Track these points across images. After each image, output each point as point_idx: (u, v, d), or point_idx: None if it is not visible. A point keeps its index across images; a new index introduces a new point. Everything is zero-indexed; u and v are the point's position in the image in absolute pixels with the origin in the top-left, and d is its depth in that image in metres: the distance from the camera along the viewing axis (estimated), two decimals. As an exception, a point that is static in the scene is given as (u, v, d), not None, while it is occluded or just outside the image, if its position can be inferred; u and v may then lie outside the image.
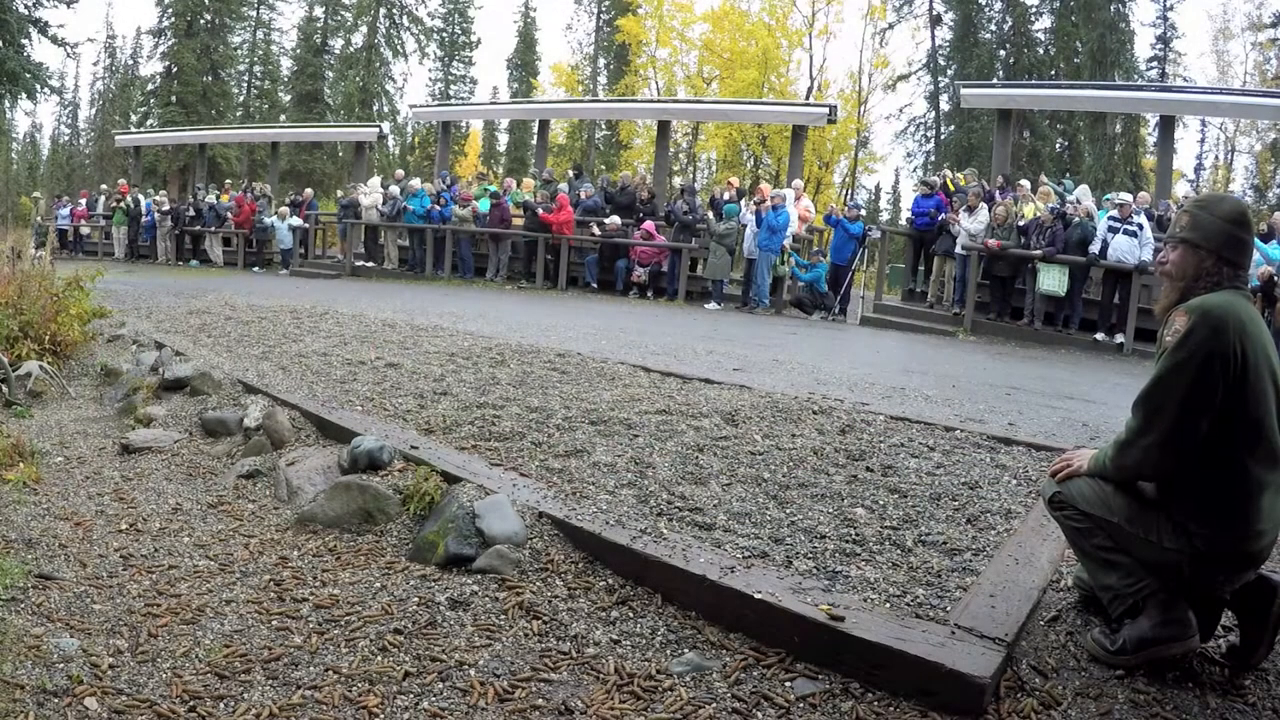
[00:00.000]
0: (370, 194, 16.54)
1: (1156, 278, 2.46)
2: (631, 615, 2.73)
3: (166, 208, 19.06)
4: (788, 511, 3.31)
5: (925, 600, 2.59)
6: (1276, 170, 29.06)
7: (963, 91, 15.15)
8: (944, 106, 30.07)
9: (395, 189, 16.39)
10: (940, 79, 30.14)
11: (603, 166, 31.50)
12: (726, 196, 13.60)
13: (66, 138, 43.51)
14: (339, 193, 19.42)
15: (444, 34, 38.35)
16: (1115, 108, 20.01)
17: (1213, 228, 2.26)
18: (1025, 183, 12.58)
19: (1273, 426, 2.16)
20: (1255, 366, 2.13)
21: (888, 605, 2.56)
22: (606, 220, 13.93)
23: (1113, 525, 2.33)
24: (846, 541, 3.06)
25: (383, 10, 36.65)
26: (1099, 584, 2.42)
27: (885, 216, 34.83)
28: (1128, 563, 2.33)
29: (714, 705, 2.26)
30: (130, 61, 39.87)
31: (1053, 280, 10.59)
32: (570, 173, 17.51)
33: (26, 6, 19.23)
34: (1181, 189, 20.88)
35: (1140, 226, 10.08)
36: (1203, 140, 30.96)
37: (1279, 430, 2.17)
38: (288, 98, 37.28)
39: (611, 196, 15.00)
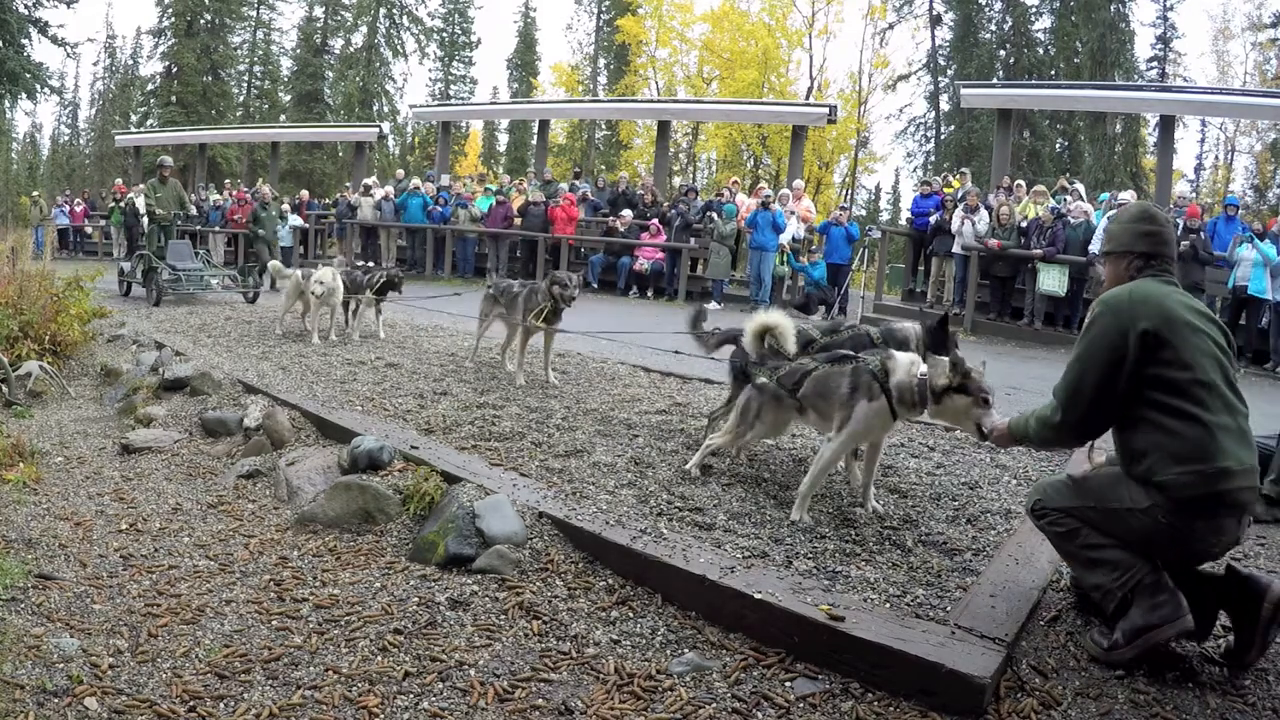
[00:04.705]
0: (373, 192, 16.55)
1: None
2: (631, 615, 2.73)
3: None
4: (788, 511, 3.31)
5: (925, 600, 2.59)
6: (1276, 170, 29.04)
7: (963, 91, 15.15)
8: (944, 106, 30.02)
9: (391, 188, 16.45)
10: (940, 79, 30.10)
11: (603, 166, 31.47)
12: (723, 198, 13.64)
13: (66, 138, 43.44)
14: (337, 195, 19.39)
15: (444, 34, 38.27)
16: (1115, 108, 19.98)
17: (1122, 233, 2.54)
18: (1022, 183, 12.59)
19: (1220, 378, 2.29)
20: (1175, 331, 2.28)
21: (888, 605, 2.56)
22: (623, 212, 13.99)
23: (1091, 510, 2.41)
24: (846, 541, 3.06)
25: (383, 10, 36.58)
26: (1089, 585, 2.46)
27: (885, 216, 34.79)
28: (1114, 558, 2.36)
29: (714, 705, 2.26)
30: (130, 61, 39.78)
31: (1053, 280, 10.58)
32: (573, 174, 17.58)
33: (26, 6, 19.22)
34: (1181, 189, 20.84)
35: (1140, 226, 10.06)
36: (1203, 140, 30.93)
37: (1227, 383, 2.30)
38: (288, 98, 37.21)
39: (626, 196, 15.02)
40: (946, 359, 3.00)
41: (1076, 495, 2.46)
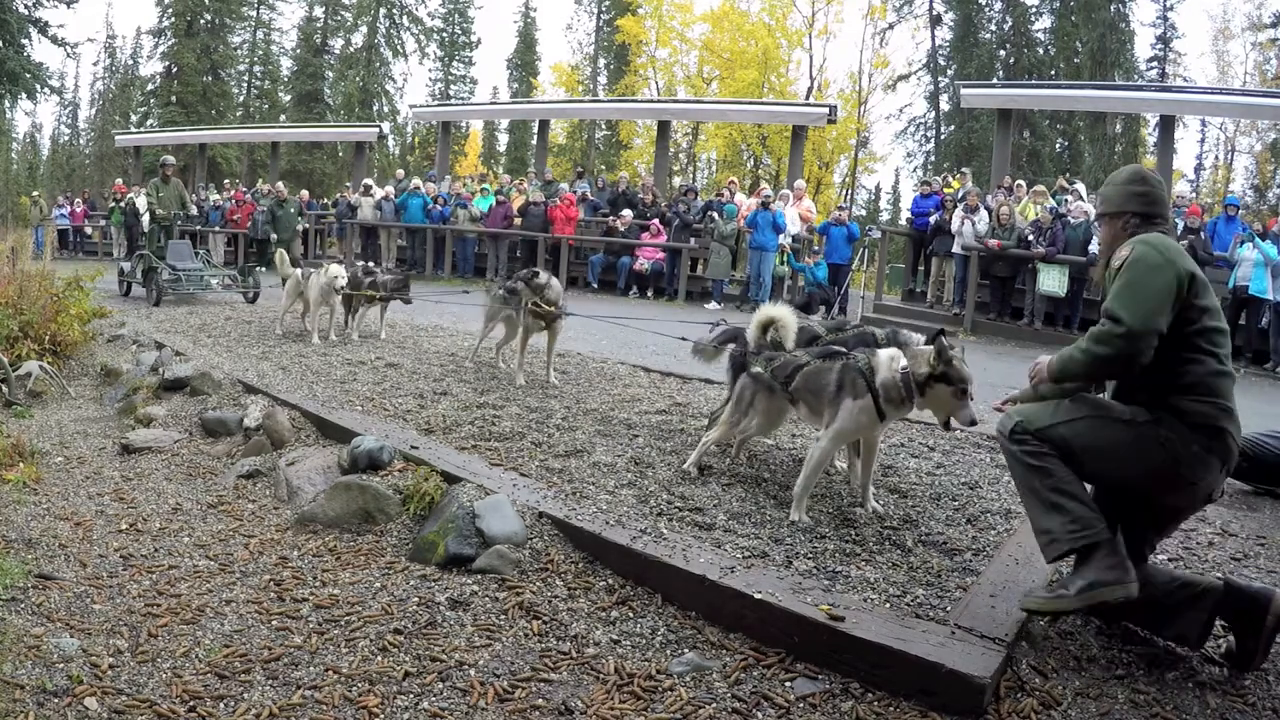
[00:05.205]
0: (372, 192, 16.54)
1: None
2: (631, 615, 2.73)
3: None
4: (788, 511, 3.31)
5: (925, 600, 2.59)
6: (1276, 170, 29.03)
7: (963, 91, 15.15)
8: (944, 106, 30.03)
9: (391, 188, 16.43)
10: (940, 79, 30.11)
11: (603, 166, 31.47)
12: (723, 198, 13.66)
13: (66, 138, 43.42)
14: (337, 195, 19.38)
15: (444, 34, 38.26)
16: (1115, 108, 20.00)
17: (1116, 194, 2.59)
18: (1022, 183, 12.60)
19: (1225, 331, 2.40)
20: (1201, 280, 2.36)
21: (888, 605, 2.56)
22: (624, 212, 14.01)
23: (1082, 421, 2.40)
24: (846, 541, 3.06)
25: (383, 10, 36.58)
26: (1039, 528, 2.44)
27: (885, 216, 34.79)
28: (1076, 510, 2.37)
29: (714, 705, 2.26)
30: (130, 61, 39.78)
31: (1053, 280, 10.58)
32: (575, 173, 17.61)
33: (26, 6, 19.21)
34: (1181, 189, 20.83)
35: (1140, 226, 10.06)
36: (1203, 140, 30.91)
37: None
38: (288, 98, 37.20)
39: (626, 196, 15.04)
40: (930, 347, 2.98)
41: (1069, 409, 2.43)
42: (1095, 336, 2.34)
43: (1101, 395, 2.59)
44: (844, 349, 3.49)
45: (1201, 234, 9.89)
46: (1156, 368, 2.36)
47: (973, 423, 2.94)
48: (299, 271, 7.84)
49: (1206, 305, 2.37)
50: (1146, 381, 2.39)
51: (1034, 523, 2.47)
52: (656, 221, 13.58)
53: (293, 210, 13.61)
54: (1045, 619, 2.55)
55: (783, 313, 3.83)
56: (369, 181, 17.33)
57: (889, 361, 3.09)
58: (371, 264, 9.46)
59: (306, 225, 16.93)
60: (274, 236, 13.96)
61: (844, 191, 31.25)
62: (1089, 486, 2.53)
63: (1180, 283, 2.31)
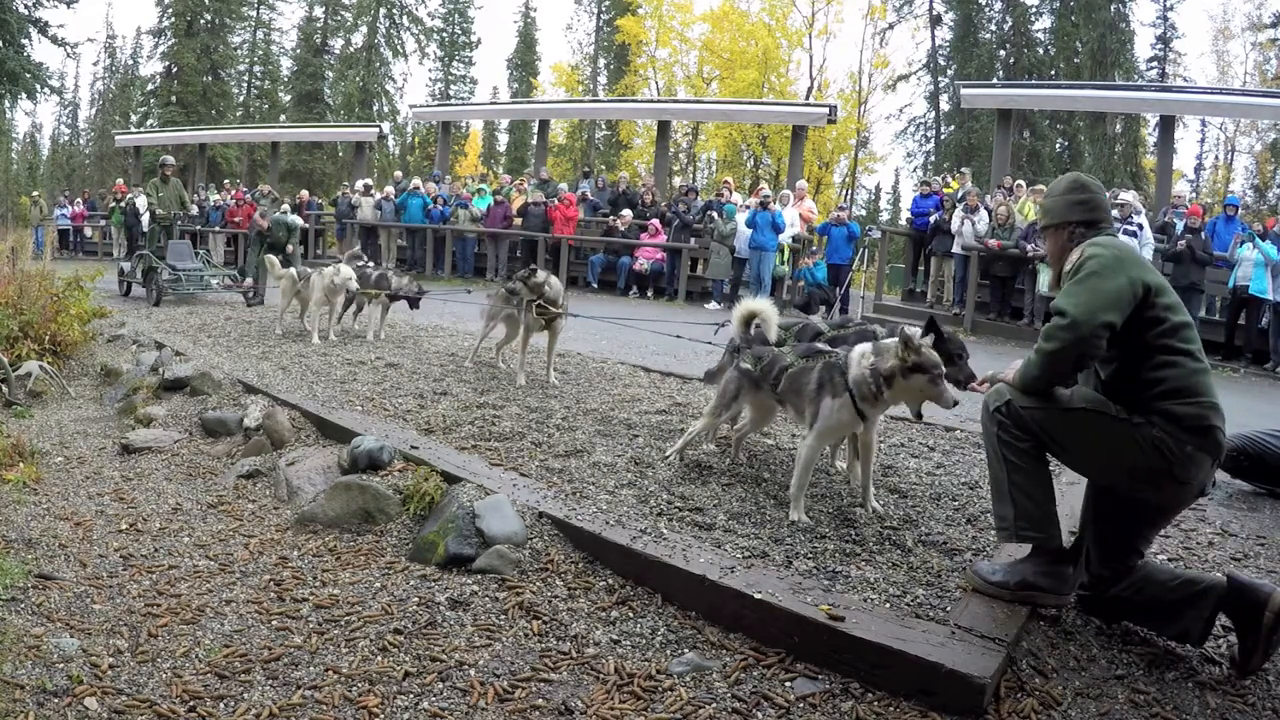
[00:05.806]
0: (372, 192, 16.54)
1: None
2: (631, 615, 2.73)
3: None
4: (788, 511, 3.31)
5: (925, 600, 2.59)
6: (1276, 170, 29.03)
7: (963, 91, 15.16)
8: (944, 106, 30.03)
9: (392, 188, 16.41)
10: (940, 79, 30.11)
11: (603, 166, 31.47)
12: (723, 198, 13.67)
13: (66, 138, 43.43)
14: (337, 194, 19.36)
15: (444, 34, 38.27)
16: (1115, 108, 20.01)
17: (1056, 206, 2.60)
18: (1022, 183, 12.60)
19: (1191, 324, 2.42)
20: (1158, 281, 2.38)
21: (888, 605, 2.56)
22: (623, 212, 14.02)
23: (1077, 413, 2.40)
24: (846, 541, 3.06)
25: (383, 10, 36.59)
26: (995, 510, 2.59)
27: (885, 216, 34.78)
28: (1032, 511, 2.47)
29: (714, 705, 2.26)
30: (130, 61, 39.81)
31: (1053, 280, 10.58)
32: (580, 173, 17.64)
33: (26, 6, 19.21)
34: (1181, 189, 20.83)
35: (1140, 227, 10.08)
36: (1203, 140, 30.93)
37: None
38: (288, 98, 37.22)
39: (626, 196, 15.05)
40: (892, 340, 2.98)
41: (1064, 396, 2.43)
42: (1043, 334, 2.39)
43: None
44: (828, 348, 3.50)
45: (1201, 234, 9.89)
46: (1137, 377, 2.37)
47: (955, 404, 2.90)
48: (293, 271, 7.88)
49: (1170, 303, 2.37)
50: (1131, 391, 2.39)
51: (993, 503, 2.61)
52: (656, 221, 13.59)
53: (283, 235, 12.57)
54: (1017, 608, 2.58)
55: (763, 306, 3.93)
56: (369, 181, 17.34)
57: (859, 359, 3.09)
58: (370, 264, 9.42)
59: (305, 226, 16.69)
60: (273, 249, 13.60)
61: (844, 191, 31.26)
62: (1085, 483, 2.54)
63: (1134, 284, 2.32)
